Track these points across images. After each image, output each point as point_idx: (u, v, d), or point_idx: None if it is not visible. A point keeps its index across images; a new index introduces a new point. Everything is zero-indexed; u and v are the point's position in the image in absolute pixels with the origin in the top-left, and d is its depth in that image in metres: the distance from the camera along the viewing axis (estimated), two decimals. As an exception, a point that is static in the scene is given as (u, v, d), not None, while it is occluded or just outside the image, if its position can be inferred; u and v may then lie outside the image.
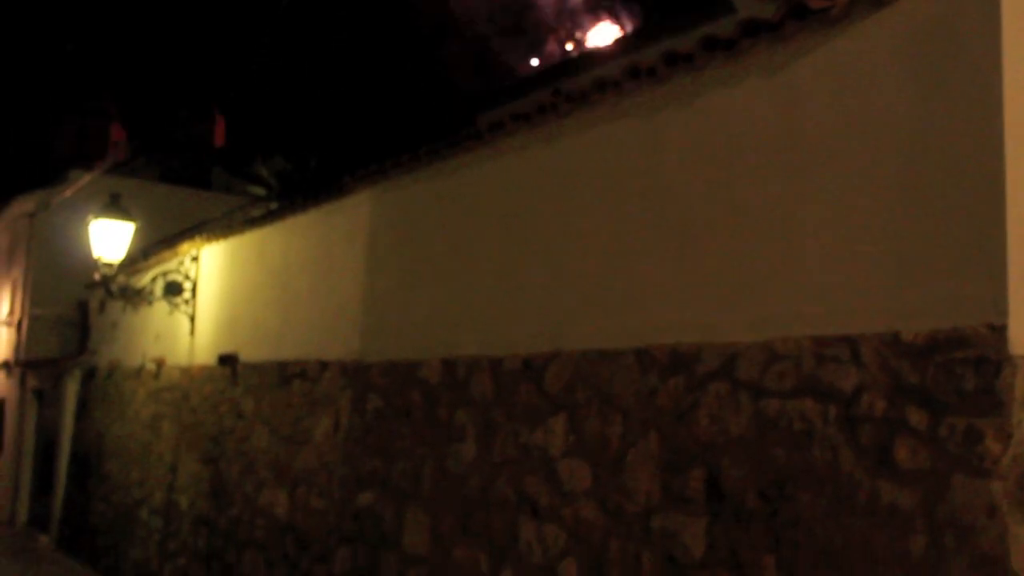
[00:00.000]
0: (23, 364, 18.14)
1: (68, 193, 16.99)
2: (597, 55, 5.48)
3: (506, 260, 6.06)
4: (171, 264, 11.64)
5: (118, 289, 12.11)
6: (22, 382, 18.23)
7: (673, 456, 4.56)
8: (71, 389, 15.40)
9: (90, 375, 14.73)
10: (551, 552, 5.14)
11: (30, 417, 17.83)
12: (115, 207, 11.14)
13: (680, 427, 4.55)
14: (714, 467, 4.33)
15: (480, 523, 5.73)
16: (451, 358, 6.35)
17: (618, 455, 4.86)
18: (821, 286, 4.07)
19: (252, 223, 9.84)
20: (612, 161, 5.34)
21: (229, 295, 10.15)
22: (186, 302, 11.00)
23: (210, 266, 10.74)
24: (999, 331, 3.38)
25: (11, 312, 19.71)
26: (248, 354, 9.39)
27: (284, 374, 8.51)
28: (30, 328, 18.32)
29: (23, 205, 18.86)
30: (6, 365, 19.42)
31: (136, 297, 11.94)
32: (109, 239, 11.07)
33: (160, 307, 11.52)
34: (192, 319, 10.90)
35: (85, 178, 16.62)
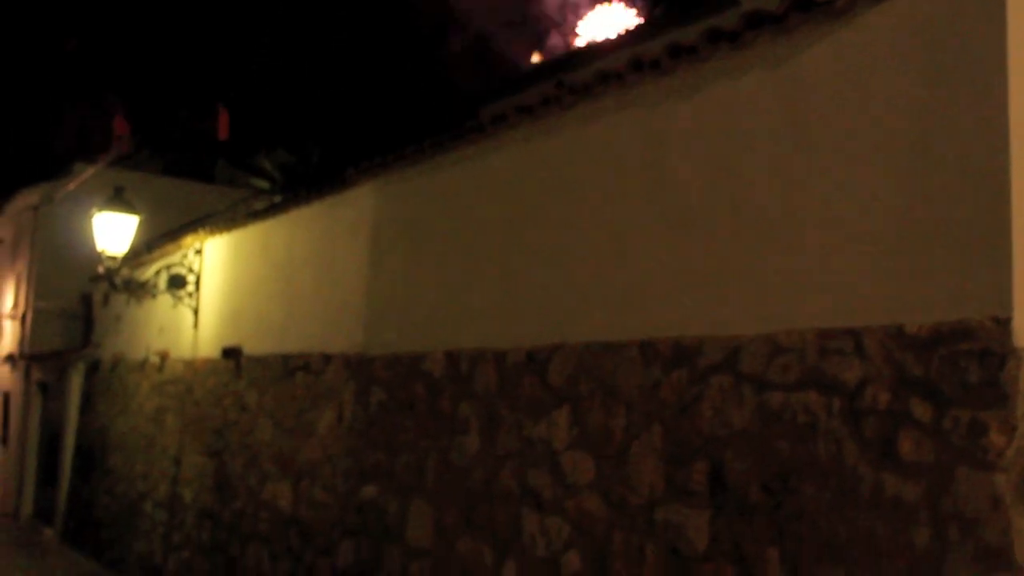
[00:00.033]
0: (27, 357, 18.17)
1: (72, 186, 17.01)
2: (600, 47, 5.45)
3: (509, 253, 6.05)
4: (175, 257, 11.65)
5: (122, 282, 12.12)
6: (26, 375, 18.26)
7: (676, 449, 4.56)
8: (75, 382, 15.42)
9: (94, 368, 14.76)
10: (555, 544, 5.15)
11: (34, 410, 17.86)
12: (119, 200, 11.15)
13: (683, 420, 4.55)
14: (717, 460, 4.33)
15: (484, 516, 5.73)
16: (454, 351, 6.35)
17: (621, 448, 4.86)
18: (825, 278, 4.06)
19: (255, 216, 9.84)
20: (615, 154, 5.33)
21: (233, 288, 10.16)
22: (190, 295, 11.02)
23: (214, 259, 10.75)
24: (1003, 324, 3.37)
25: (15, 305, 19.74)
26: (252, 347, 9.40)
27: (288, 367, 8.51)
28: (34, 321, 18.35)
29: (27, 198, 18.87)
30: (10, 358, 19.46)
31: (140, 290, 11.95)
32: (113, 232, 11.08)
33: (164, 300, 11.53)
34: (196, 312, 10.91)
35: (89, 171, 16.65)
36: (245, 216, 10.10)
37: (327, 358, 7.89)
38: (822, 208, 4.11)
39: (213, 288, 10.65)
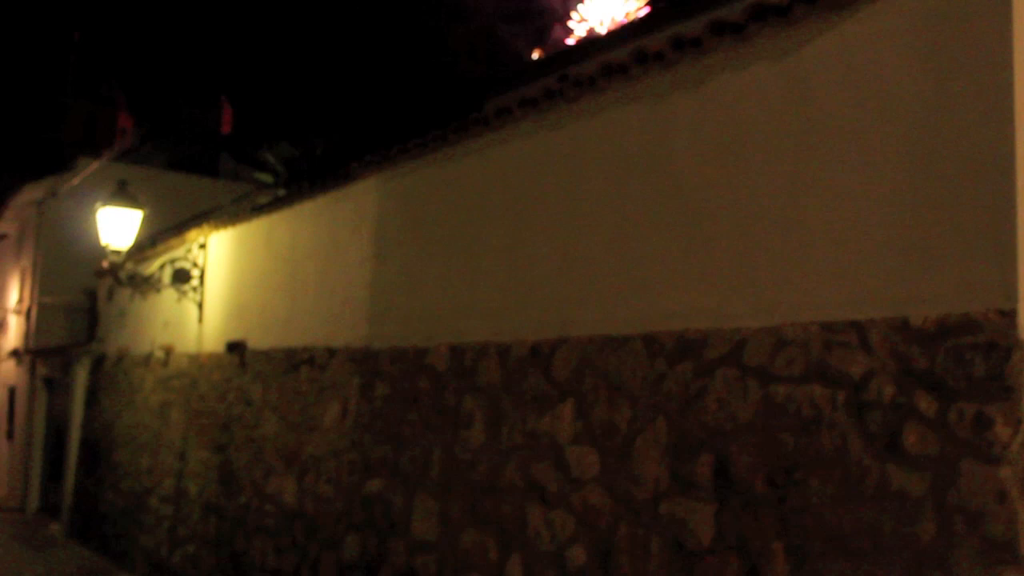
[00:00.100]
0: (32, 352, 18.20)
1: (76, 181, 17.02)
2: (604, 40, 5.45)
3: (513, 246, 6.05)
4: (179, 251, 11.65)
5: (126, 277, 12.13)
6: (32, 370, 18.30)
7: (681, 442, 4.55)
8: (80, 377, 15.45)
9: (99, 363, 14.78)
10: (559, 538, 5.15)
11: (40, 405, 17.90)
12: (123, 194, 11.15)
13: (688, 413, 4.54)
14: (722, 453, 4.33)
15: (489, 509, 5.73)
16: (458, 344, 6.35)
17: (626, 441, 4.86)
18: (829, 271, 4.05)
19: (259, 210, 9.84)
20: (619, 147, 5.32)
21: (237, 282, 10.17)
22: (194, 289, 11.03)
23: (218, 253, 10.75)
24: (1009, 316, 3.36)
25: (20, 300, 19.78)
26: (256, 341, 9.40)
27: (292, 361, 8.52)
28: (39, 316, 18.38)
29: (31, 193, 18.89)
30: (16, 353, 19.50)
31: (144, 285, 11.96)
32: (117, 227, 11.08)
33: (168, 295, 11.54)
34: (200, 306, 10.92)
35: (93, 166, 16.66)
36: (249, 210, 10.10)
37: (331, 352, 7.89)
38: (826, 201, 4.10)
39: (217, 282, 10.65)
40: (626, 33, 5.23)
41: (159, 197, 13.57)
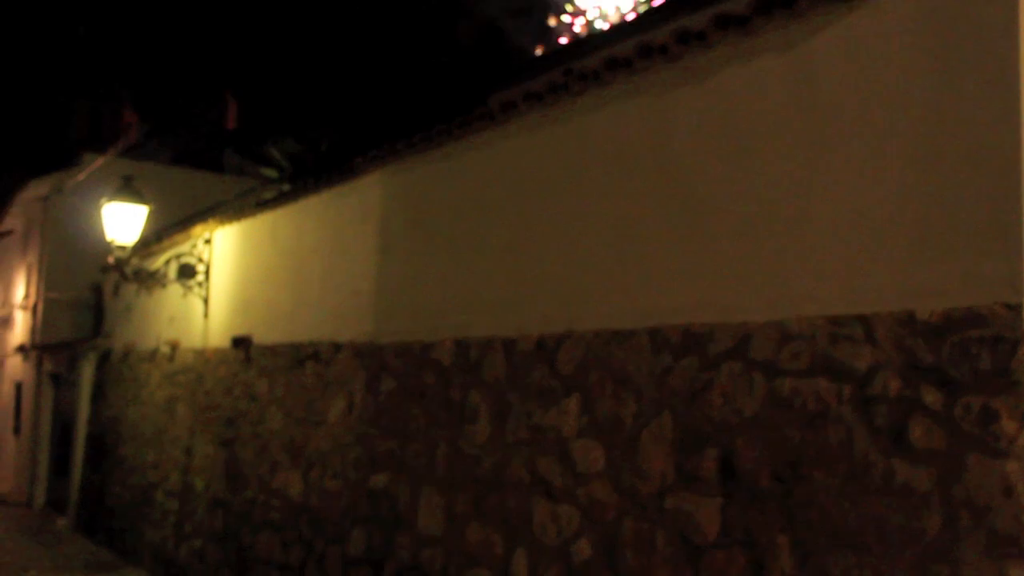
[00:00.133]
0: (39, 348, 18.25)
1: (81, 176, 17.05)
2: (609, 33, 5.43)
3: (518, 241, 6.04)
4: (184, 247, 11.67)
5: (132, 272, 12.14)
6: (38, 365, 18.35)
7: (687, 436, 4.55)
8: (87, 372, 15.49)
9: (105, 358, 14.81)
10: (565, 533, 5.15)
11: (47, 400, 17.95)
12: (128, 190, 11.16)
13: (693, 407, 4.54)
14: (728, 447, 4.33)
15: (494, 504, 5.74)
16: (464, 339, 6.35)
17: (632, 436, 4.86)
18: (835, 265, 4.04)
19: (264, 205, 9.85)
20: (624, 141, 5.31)
21: (242, 277, 10.18)
22: (199, 285, 11.04)
23: (223, 248, 10.76)
24: (1015, 310, 3.35)
25: (27, 296, 19.81)
26: (261, 336, 9.41)
27: (298, 356, 8.53)
28: (45, 312, 18.43)
29: (37, 189, 18.92)
30: (22, 348, 19.54)
31: (150, 280, 11.97)
32: (122, 222, 11.09)
33: (174, 290, 11.55)
34: (206, 302, 10.94)
35: (98, 161, 16.68)
36: (254, 205, 10.11)
37: (337, 347, 7.90)
38: (832, 194, 4.09)
39: (223, 277, 10.67)
40: (630, 27, 5.20)
41: (164, 192, 13.58)
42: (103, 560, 12.16)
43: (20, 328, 20.25)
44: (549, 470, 5.35)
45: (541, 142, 5.97)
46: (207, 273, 11.02)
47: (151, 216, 11.46)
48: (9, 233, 21.65)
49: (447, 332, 6.55)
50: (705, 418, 4.47)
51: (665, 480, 4.61)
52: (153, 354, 12.57)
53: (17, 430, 19.56)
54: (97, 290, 16.49)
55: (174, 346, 11.79)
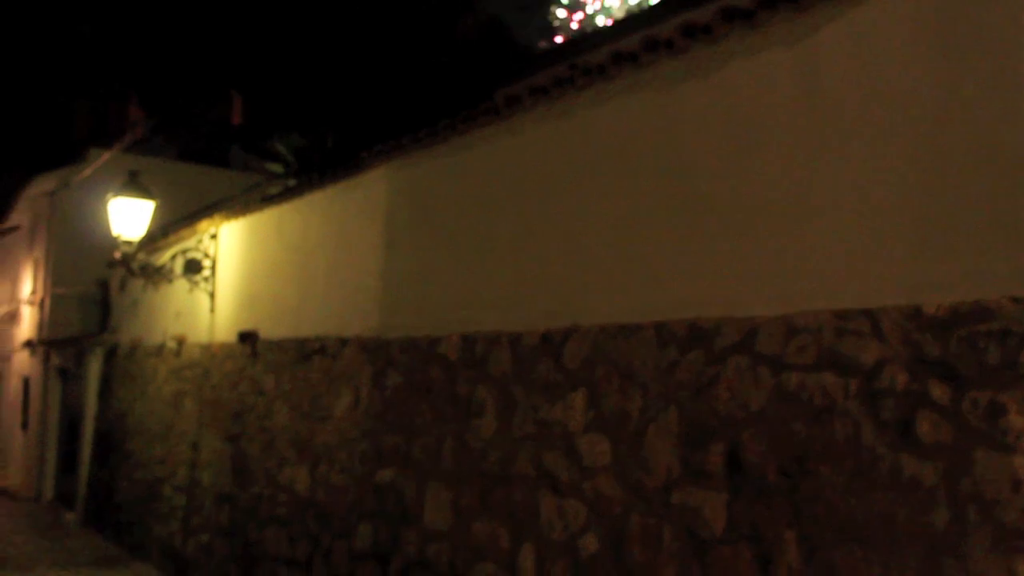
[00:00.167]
0: (46, 343, 18.29)
1: (88, 172, 17.07)
2: (615, 27, 5.42)
3: (524, 235, 6.04)
4: (190, 242, 11.69)
5: (138, 267, 12.17)
6: (46, 360, 18.39)
7: (693, 431, 4.55)
8: (94, 367, 15.53)
9: (112, 353, 14.84)
10: (572, 527, 5.15)
11: (54, 395, 18.00)
12: (134, 185, 11.18)
13: (699, 402, 4.54)
14: (734, 442, 4.32)
15: (501, 499, 5.74)
16: (470, 334, 6.35)
17: (638, 430, 4.86)
18: (841, 259, 4.03)
19: (270, 200, 9.85)
20: (629, 134, 5.31)
21: (248, 272, 10.19)
22: (206, 280, 11.06)
23: (229, 244, 10.77)
24: (1022, 304, 3.34)
25: (34, 291, 19.86)
26: (268, 331, 9.43)
27: (304, 351, 8.54)
28: (52, 307, 18.47)
29: (43, 184, 18.95)
30: (30, 344, 19.59)
31: (156, 275, 12.00)
32: (129, 217, 11.12)
33: (180, 285, 11.57)
34: (212, 297, 10.95)
35: (104, 157, 16.69)
36: (260, 200, 10.12)
37: (343, 342, 7.91)
38: (838, 188, 4.08)
39: (229, 273, 10.68)
40: (636, 21, 5.19)
41: (170, 188, 13.61)
42: (111, 554, 12.20)
43: (27, 323, 20.30)
44: (555, 464, 5.36)
45: (546, 136, 5.96)
46: (213, 268, 11.03)
47: (157, 211, 11.48)
48: (16, 229, 21.70)
49: (453, 327, 6.55)
50: (711, 412, 4.47)
51: (671, 474, 4.61)
52: (160, 349, 12.59)
53: (25, 425, 19.63)
54: (104, 285, 16.52)
55: (180, 341, 11.81)
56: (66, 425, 17.23)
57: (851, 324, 3.90)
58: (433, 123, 6.89)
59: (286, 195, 9.55)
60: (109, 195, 11.21)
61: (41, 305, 19.08)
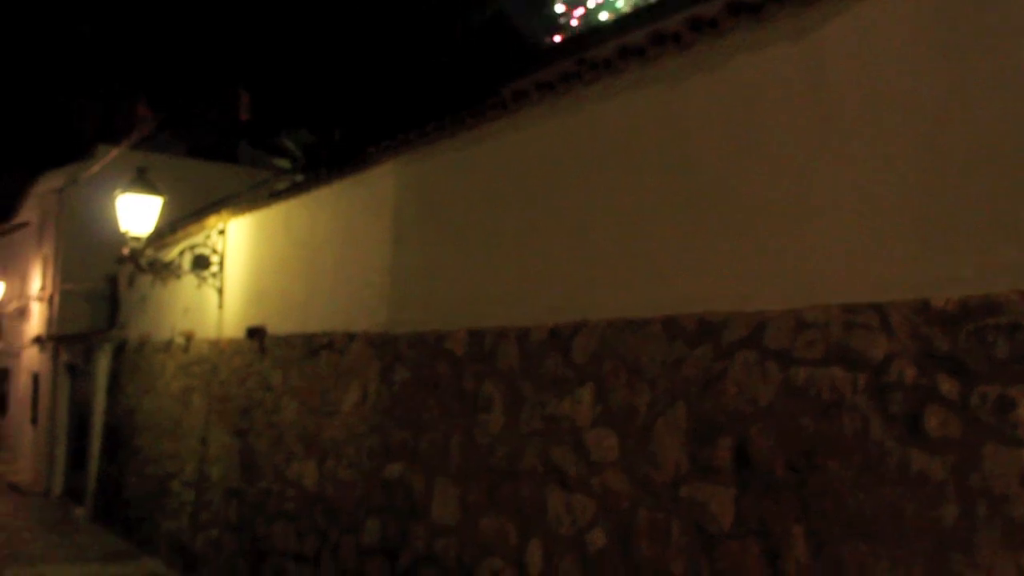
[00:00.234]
0: (55, 339, 18.35)
1: (96, 168, 17.11)
2: (622, 21, 5.42)
3: (531, 230, 6.04)
4: (198, 238, 11.70)
5: (146, 263, 12.19)
6: (55, 356, 18.46)
7: (701, 426, 4.54)
8: (103, 363, 15.57)
9: (121, 349, 14.88)
10: (580, 522, 5.15)
11: (63, 391, 18.06)
12: (142, 181, 11.19)
13: (707, 396, 4.53)
14: (742, 436, 4.31)
15: (508, 494, 5.74)
16: (477, 329, 6.35)
17: (645, 425, 4.85)
18: (850, 253, 4.02)
19: (278, 196, 9.86)
20: (636, 129, 5.30)
21: (256, 268, 10.20)
22: (214, 275, 11.07)
23: (237, 239, 10.79)
24: (1032, 297, 3.32)
25: (43, 287, 19.93)
26: (276, 327, 9.44)
27: (312, 346, 8.55)
28: (61, 303, 18.53)
29: (52, 181, 19.01)
30: (39, 340, 19.66)
31: (164, 271, 12.02)
32: (137, 213, 11.13)
33: (188, 281, 11.59)
34: (220, 292, 10.97)
35: (112, 153, 16.73)
36: (268, 196, 10.13)
37: (351, 337, 7.92)
38: (846, 182, 4.07)
39: (237, 268, 10.69)
40: (643, 14, 5.18)
41: (178, 184, 13.63)
42: (120, 550, 12.24)
43: (36, 319, 20.37)
44: (563, 459, 5.35)
45: (554, 131, 5.95)
46: (221, 264, 11.05)
47: (165, 207, 11.49)
48: (25, 225, 21.78)
49: (460, 322, 6.55)
50: (719, 407, 4.46)
51: (679, 469, 4.61)
52: (168, 345, 12.62)
53: (34, 420, 19.71)
54: (112, 281, 16.56)
55: (189, 337, 11.83)
56: (75, 421, 17.29)
57: (860, 318, 3.89)
58: (440, 118, 6.89)
59: (294, 191, 9.56)
60: (117, 191, 11.22)
61: (50, 301, 19.15)
